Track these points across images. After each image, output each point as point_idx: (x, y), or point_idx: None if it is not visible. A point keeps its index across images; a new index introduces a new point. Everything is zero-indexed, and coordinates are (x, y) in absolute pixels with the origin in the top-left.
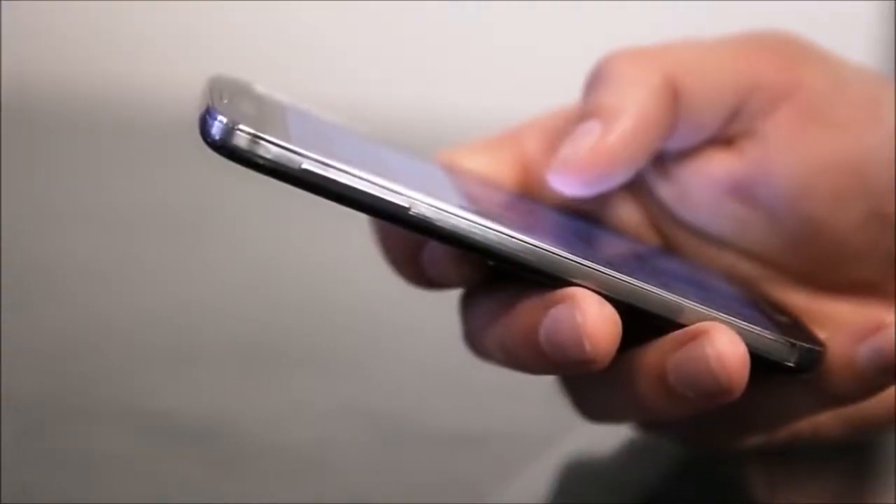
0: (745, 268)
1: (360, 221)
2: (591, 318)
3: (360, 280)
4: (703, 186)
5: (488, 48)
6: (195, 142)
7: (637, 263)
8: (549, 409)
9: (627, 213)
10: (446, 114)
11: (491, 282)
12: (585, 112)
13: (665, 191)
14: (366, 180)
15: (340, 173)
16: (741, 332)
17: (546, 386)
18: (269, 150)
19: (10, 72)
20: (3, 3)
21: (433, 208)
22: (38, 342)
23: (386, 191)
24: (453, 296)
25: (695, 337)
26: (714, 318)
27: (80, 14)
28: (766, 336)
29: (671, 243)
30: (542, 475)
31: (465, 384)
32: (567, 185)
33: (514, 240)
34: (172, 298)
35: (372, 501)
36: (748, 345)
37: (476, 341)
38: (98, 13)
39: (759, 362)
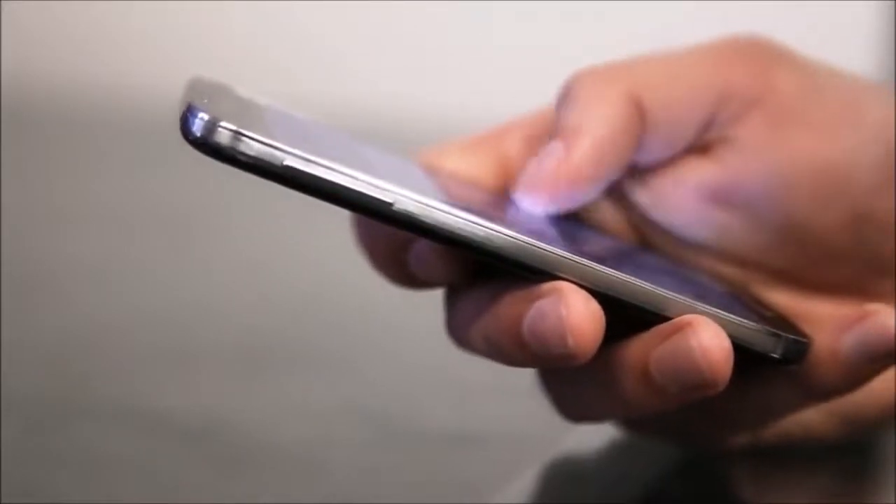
0: (727, 271)
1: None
2: (574, 313)
3: (359, 280)
4: (680, 194)
5: (487, 48)
6: None
7: (621, 259)
8: (548, 410)
9: (609, 216)
10: (446, 113)
11: (478, 276)
12: (552, 132)
13: (643, 199)
14: (349, 176)
15: (323, 169)
16: (726, 325)
17: None
18: (251, 147)
19: (10, 72)
20: (3, 3)
21: (417, 203)
22: (38, 342)
23: (369, 186)
24: None
25: (678, 329)
26: (698, 311)
27: (80, 14)
28: (752, 328)
29: (653, 246)
30: (540, 475)
31: (464, 384)
32: (533, 203)
33: (499, 234)
34: (172, 298)
35: (370, 501)
36: (734, 337)
37: (459, 331)
38: (98, 13)
39: (745, 355)
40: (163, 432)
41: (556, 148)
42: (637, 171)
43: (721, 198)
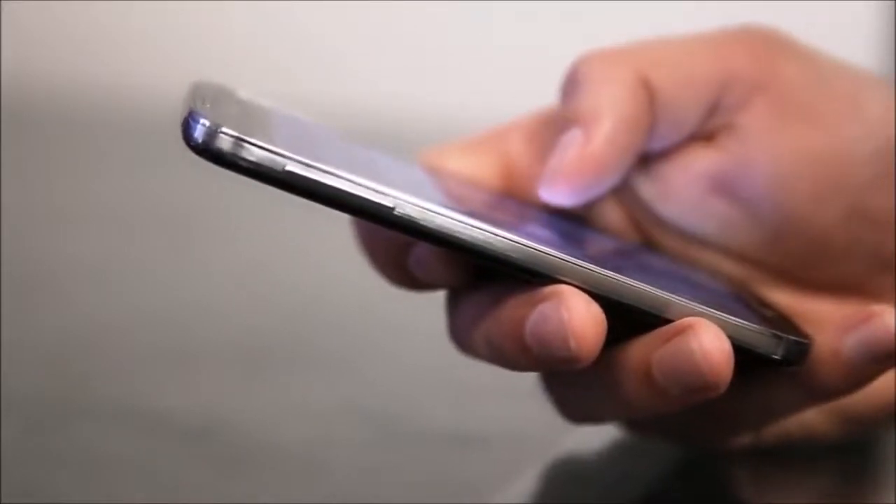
0: (729, 268)
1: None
2: (576, 316)
3: (359, 280)
4: (685, 183)
5: (487, 48)
6: None
7: (623, 260)
8: (549, 410)
9: (610, 215)
10: (446, 113)
11: (479, 279)
12: (565, 119)
13: (648, 189)
14: (350, 181)
15: (324, 174)
16: (727, 326)
17: None
18: (252, 153)
19: (10, 72)
20: (3, 3)
21: (418, 208)
22: (38, 342)
23: (370, 191)
24: None
25: (680, 332)
26: (699, 313)
27: (80, 14)
28: (753, 329)
29: (654, 244)
30: (541, 475)
31: (464, 384)
32: (558, 196)
33: (500, 238)
34: (172, 298)
35: (370, 501)
36: (734, 338)
37: (462, 336)
38: (98, 13)
39: (746, 356)
40: (163, 432)
41: (574, 135)
42: (643, 161)
43: (723, 187)
